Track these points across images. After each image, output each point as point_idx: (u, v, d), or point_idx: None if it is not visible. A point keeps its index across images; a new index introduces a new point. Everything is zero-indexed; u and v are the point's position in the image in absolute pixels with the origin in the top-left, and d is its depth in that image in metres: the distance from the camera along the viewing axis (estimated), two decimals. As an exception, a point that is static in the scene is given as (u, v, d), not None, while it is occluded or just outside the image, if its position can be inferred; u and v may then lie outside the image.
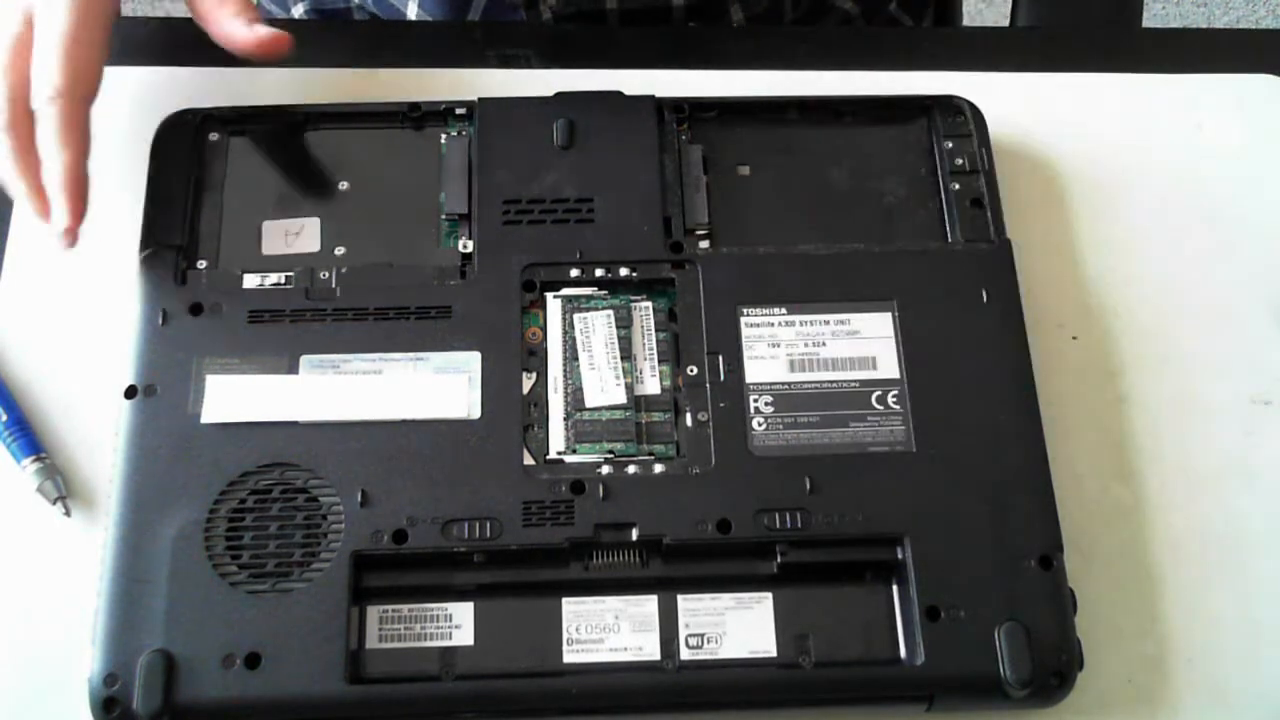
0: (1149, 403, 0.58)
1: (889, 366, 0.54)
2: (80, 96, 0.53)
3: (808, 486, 0.51)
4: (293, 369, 0.53)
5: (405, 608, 0.50)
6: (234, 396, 0.52)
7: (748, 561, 0.51)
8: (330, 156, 0.59)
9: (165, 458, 0.51)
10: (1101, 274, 0.61)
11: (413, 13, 0.73)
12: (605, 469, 0.52)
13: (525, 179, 0.58)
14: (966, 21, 1.02)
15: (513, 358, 0.54)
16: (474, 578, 0.51)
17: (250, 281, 0.55)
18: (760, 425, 0.53)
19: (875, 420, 0.53)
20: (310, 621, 0.49)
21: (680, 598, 0.51)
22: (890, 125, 0.61)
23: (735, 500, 0.51)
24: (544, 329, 0.55)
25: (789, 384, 0.54)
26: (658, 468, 0.52)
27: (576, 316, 0.56)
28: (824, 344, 0.55)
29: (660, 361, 0.55)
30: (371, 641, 0.50)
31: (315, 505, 0.51)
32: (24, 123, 0.53)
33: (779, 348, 0.55)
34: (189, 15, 0.58)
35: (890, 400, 0.54)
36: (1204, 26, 1.66)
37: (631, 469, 0.52)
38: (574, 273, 0.56)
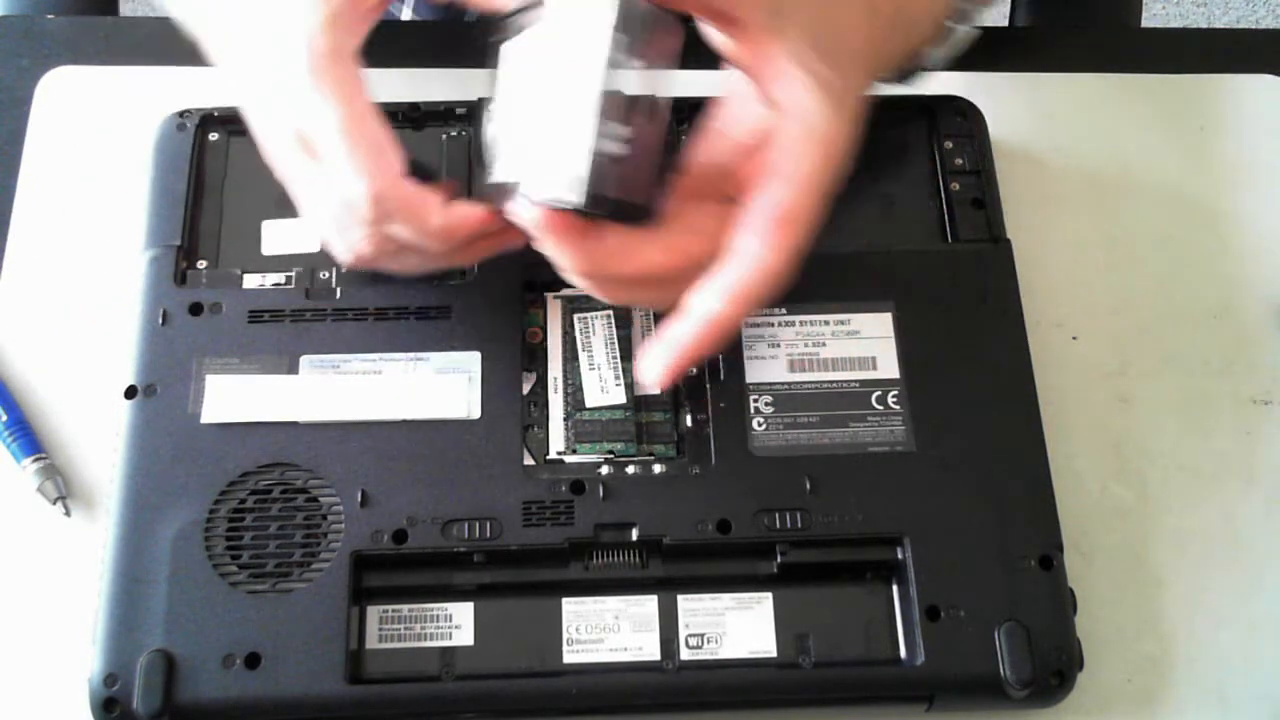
0: (1149, 403, 0.58)
1: (889, 366, 0.54)
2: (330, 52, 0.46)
3: (808, 486, 0.51)
4: (293, 369, 0.53)
5: (405, 608, 0.50)
6: (234, 396, 0.52)
7: (748, 561, 0.51)
8: (330, 156, 0.59)
9: (165, 458, 0.51)
10: (1101, 274, 0.61)
11: (406, 17, 0.73)
12: (605, 469, 0.52)
13: (525, 179, 0.58)
14: (966, 21, 1.01)
15: (513, 358, 0.54)
16: (474, 578, 0.50)
17: (250, 281, 0.55)
18: (760, 425, 0.53)
19: (875, 420, 0.53)
20: (310, 621, 0.49)
21: (680, 598, 0.51)
22: (890, 125, 0.61)
23: (735, 500, 0.51)
24: (544, 329, 0.55)
25: (789, 384, 0.54)
26: (657, 468, 0.52)
27: (576, 316, 0.55)
28: (824, 344, 0.55)
29: (660, 361, 0.55)
30: (371, 641, 0.50)
31: (315, 505, 0.51)
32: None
33: (779, 348, 0.55)
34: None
35: (890, 400, 0.54)
36: (1204, 26, 1.66)
37: (631, 469, 0.52)
38: (574, 273, 0.56)
